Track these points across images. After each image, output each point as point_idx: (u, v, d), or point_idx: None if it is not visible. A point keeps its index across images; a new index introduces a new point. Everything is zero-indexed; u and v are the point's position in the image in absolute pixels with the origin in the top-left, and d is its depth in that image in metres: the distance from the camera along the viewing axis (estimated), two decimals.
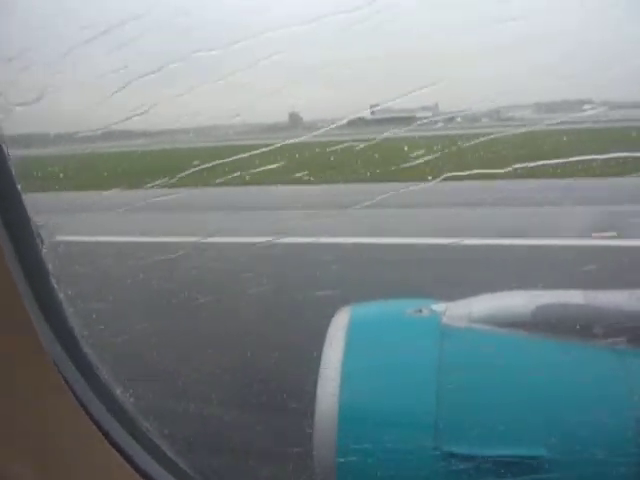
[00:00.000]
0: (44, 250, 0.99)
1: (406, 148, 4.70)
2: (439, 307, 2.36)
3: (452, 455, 1.96)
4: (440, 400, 2.01)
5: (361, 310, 2.44)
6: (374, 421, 2.08)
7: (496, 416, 2.02)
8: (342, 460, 1.97)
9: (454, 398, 2.03)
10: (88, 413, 1.01)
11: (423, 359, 2.16)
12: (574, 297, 2.28)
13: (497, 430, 2.01)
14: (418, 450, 1.99)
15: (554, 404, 2.02)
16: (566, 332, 2.14)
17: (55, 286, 1.03)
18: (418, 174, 4.38)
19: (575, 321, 2.18)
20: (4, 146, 0.93)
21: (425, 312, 2.34)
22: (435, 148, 4.23)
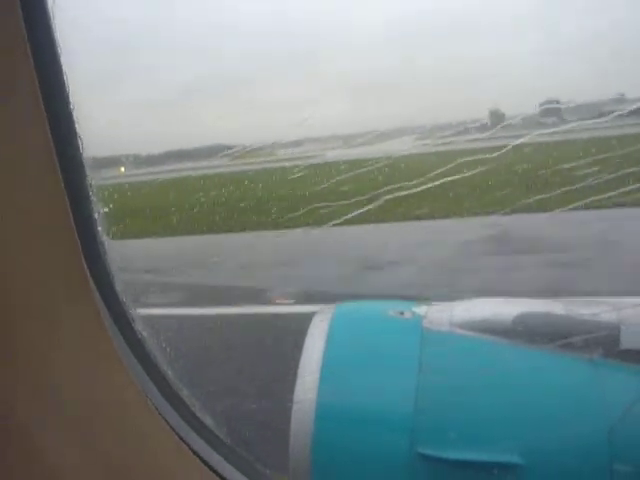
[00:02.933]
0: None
1: None
2: (421, 310, 2.37)
3: (427, 457, 1.97)
4: (418, 402, 2.02)
5: (343, 309, 2.44)
6: (351, 420, 2.08)
7: (472, 421, 2.04)
8: (317, 457, 1.97)
9: (432, 401, 2.04)
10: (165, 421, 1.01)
11: (403, 361, 2.16)
12: (554, 306, 2.31)
13: (473, 435, 2.02)
14: (394, 451, 1.99)
15: (530, 412, 2.04)
16: (545, 341, 2.17)
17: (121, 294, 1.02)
18: None
19: (554, 330, 2.21)
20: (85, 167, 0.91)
21: (407, 314, 2.34)
22: None
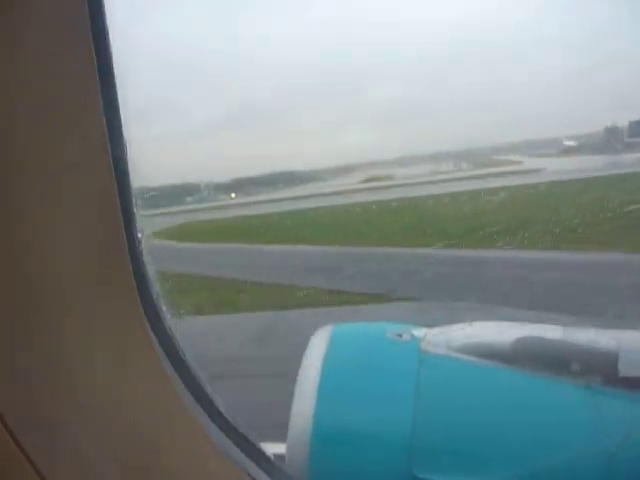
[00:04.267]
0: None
1: None
2: (419, 332, 2.37)
3: None
4: (415, 426, 2.01)
5: (341, 330, 2.43)
6: (348, 442, 2.06)
7: (470, 446, 2.02)
8: (313, 478, 1.95)
9: (429, 424, 2.03)
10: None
11: (400, 384, 2.15)
12: (553, 332, 2.31)
13: (470, 460, 2.01)
14: (390, 474, 1.97)
15: (527, 438, 2.02)
16: (543, 366, 2.16)
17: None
18: None
19: (553, 356, 2.21)
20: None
21: (405, 337, 2.34)
22: None
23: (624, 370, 2.12)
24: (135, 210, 0.98)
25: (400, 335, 2.35)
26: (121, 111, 0.92)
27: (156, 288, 1.04)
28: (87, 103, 0.83)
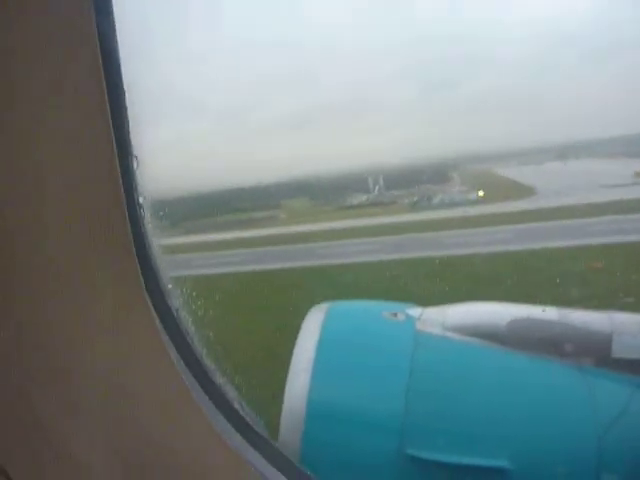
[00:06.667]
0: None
1: None
2: (415, 312, 2.37)
3: (415, 459, 1.97)
4: (409, 404, 2.02)
5: (337, 308, 2.43)
6: (341, 419, 2.07)
7: (462, 425, 2.04)
8: (307, 456, 1.96)
9: (422, 403, 2.04)
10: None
11: (395, 363, 2.16)
12: (548, 313, 2.32)
13: (462, 438, 2.02)
14: (383, 451, 1.99)
15: (520, 418, 2.04)
16: (537, 347, 2.17)
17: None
18: None
19: (547, 337, 2.22)
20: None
21: (400, 316, 2.34)
22: None
23: (617, 352, 2.13)
24: (140, 197, 0.95)
25: (395, 314, 2.36)
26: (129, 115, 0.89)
27: (161, 271, 1.01)
28: (94, 112, 0.81)
